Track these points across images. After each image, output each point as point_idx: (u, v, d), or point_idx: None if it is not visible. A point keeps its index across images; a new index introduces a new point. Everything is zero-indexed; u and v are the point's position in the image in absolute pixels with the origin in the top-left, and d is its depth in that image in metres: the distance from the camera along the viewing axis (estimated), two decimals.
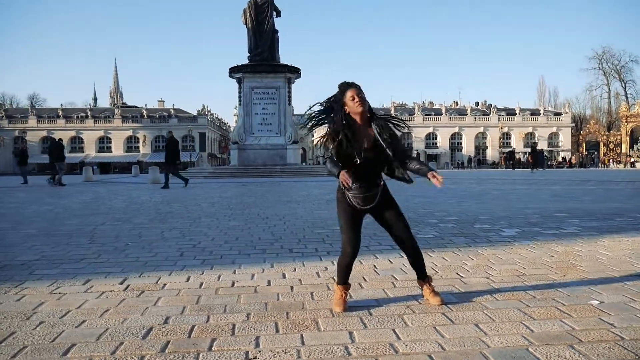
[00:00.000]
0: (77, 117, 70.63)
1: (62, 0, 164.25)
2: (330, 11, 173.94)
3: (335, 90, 3.16)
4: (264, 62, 28.82)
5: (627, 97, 72.50)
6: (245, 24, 29.14)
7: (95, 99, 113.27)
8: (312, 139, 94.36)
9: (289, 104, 29.32)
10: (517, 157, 53.67)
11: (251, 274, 4.11)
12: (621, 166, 56.35)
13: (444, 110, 70.00)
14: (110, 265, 4.53)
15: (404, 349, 2.53)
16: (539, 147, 50.05)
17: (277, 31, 29.64)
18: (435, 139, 68.75)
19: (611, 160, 60.68)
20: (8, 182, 22.61)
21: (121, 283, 3.86)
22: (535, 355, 2.41)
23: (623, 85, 74.71)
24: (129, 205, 10.58)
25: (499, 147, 66.15)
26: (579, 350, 2.47)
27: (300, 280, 3.92)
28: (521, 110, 71.33)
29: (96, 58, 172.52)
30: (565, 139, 68.87)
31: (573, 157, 62.44)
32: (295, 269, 4.30)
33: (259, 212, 8.65)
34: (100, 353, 2.50)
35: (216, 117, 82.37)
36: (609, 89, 75.84)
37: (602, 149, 64.21)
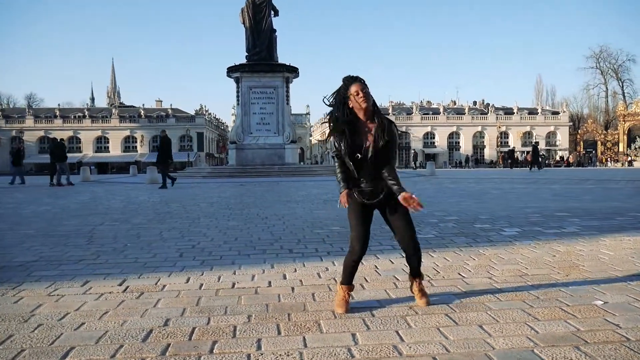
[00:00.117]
0: (75, 117, 70.39)
1: (60, 0, 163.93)
2: (328, 11, 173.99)
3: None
4: (262, 62, 28.75)
5: (624, 96, 72.64)
6: (243, 23, 29.06)
7: (92, 99, 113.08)
8: (310, 138, 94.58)
9: (287, 104, 29.26)
10: (516, 156, 53.69)
11: (251, 275, 4.07)
12: (619, 165, 56.43)
13: (441, 110, 69.96)
14: (109, 266, 4.49)
15: (408, 351, 2.49)
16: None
17: (275, 30, 29.57)
18: (433, 138, 68.73)
19: (609, 159, 60.77)
20: (6, 182, 22.45)
21: (120, 284, 3.82)
22: (541, 357, 2.39)
23: (620, 84, 74.87)
24: (127, 206, 10.53)
25: (497, 146, 66.16)
26: (585, 352, 2.44)
27: (301, 281, 3.88)
28: (519, 109, 71.34)
29: (94, 58, 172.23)
30: (562, 138, 68.92)
31: (570, 156, 62.51)
32: (295, 269, 4.27)
33: (258, 212, 8.61)
34: (100, 356, 2.46)
35: (214, 117, 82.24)
36: (607, 87, 76.01)
37: (600, 147, 64.31)
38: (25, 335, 2.75)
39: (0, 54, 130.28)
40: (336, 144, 3.07)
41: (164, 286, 3.76)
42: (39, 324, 2.93)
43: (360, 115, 3.05)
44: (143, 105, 75.11)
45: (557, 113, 71.90)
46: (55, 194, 15.30)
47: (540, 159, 35.70)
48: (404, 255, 3.29)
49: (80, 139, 66.83)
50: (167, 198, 12.35)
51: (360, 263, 4.16)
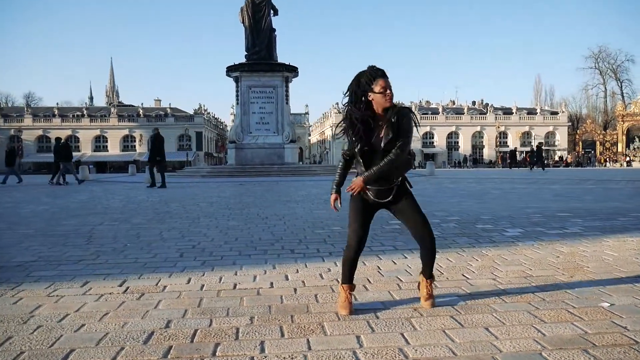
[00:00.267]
0: (73, 116, 70.30)
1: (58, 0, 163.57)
2: (327, 10, 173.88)
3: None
4: (261, 61, 28.71)
5: (623, 96, 72.69)
6: (243, 22, 29.01)
7: (91, 98, 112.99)
8: (309, 138, 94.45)
9: (287, 103, 29.22)
10: (518, 156, 53.78)
11: (253, 276, 4.03)
12: (617, 165, 56.46)
13: (440, 110, 69.97)
14: (109, 266, 4.44)
15: (414, 354, 2.45)
16: (531, 147, 50.19)
17: (274, 30, 29.54)
18: (432, 138, 68.72)
19: (608, 159, 60.80)
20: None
21: (120, 285, 3.77)
22: None
23: (619, 84, 74.96)
24: (127, 205, 10.48)
25: (496, 146, 66.19)
26: (593, 355, 2.40)
27: (303, 282, 3.84)
28: (518, 109, 71.38)
29: (92, 57, 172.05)
30: (561, 138, 68.96)
31: (569, 156, 62.56)
32: (297, 270, 4.23)
33: (258, 212, 8.56)
34: (101, 359, 2.42)
35: (213, 116, 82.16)
36: (605, 88, 76.09)
37: (599, 148, 64.34)
38: (24, 337, 2.70)
39: None
40: (351, 139, 2.98)
41: (165, 287, 3.72)
42: (39, 325, 2.89)
43: (378, 110, 2.95)
44: (142, 104, 75.07)
45: (556, 113, 71.94)
46: (54, 193, 15.24)
47: (538, 159, 35.77)
48: (420, 250, 3.21)
49: (78, 138, 66.71)
50: (166, 198, 12.30)
51: (363, 263, 4.16)
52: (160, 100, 77.50)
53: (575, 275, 3.96)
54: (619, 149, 61.29)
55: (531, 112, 72.38)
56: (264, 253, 4.98)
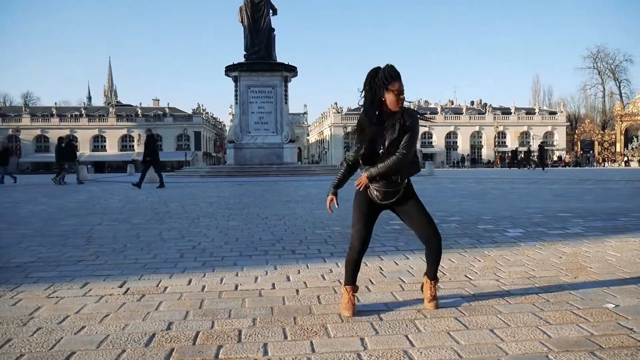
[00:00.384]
0: (71, 115, 70.24)
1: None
2: (326, 10, 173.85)
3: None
4: (260, 61, 28.67)
5: (621, 96, 72.81)
6: (242, 22, 28.97)
7: (89, 98, 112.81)
8: (308, 138, 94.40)
9: (286, 103, 29.19)
10: (519, 156, 53.94)
11: (254, 277, 4.00)
12: (616, 165, 56.53)
13: (439, 109, 69.96)
14: (109, 267, 4.40)
15: (419, 356, 2.42)
16: (528, 147, 50.38)
17: (273, 29, 29.50)
18: (431, 137, 68.74)
19: (606, 159, 60.87)
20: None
21: (121, 286, 3.74)
22: None
23: (617, 84, 75.07)
24: (126, 205, 10.44)
25: (495, 146, 66.24)
26: (600, 357, 2.38)
27: (305, 283, 3.81)
28: (516, 109, 71.46)
29: (91, 57, 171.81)
30: (560, 138, 69.02)
31: (567, 156, 62.61)
32: (299, 271, 4.20)
33: (258, 212, 8.53)
34: None
35: (211, 116, 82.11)
36: (604, 88, 76.21)
37: (597, 147, 64.41)
38: (24, 339, 2.67)
39: None
40: (358, 145, 2.97)
41: (166, 288, 3.68)
42: (38, 327, 2.85)
43: (388, 110, 2.92)
44: (140, 104, 75.04)
45: (554, 113, 72.00)
46: (52, 193, 15.19)
47: (529, 159, 35.94)
48: (426, 251, 3.19)
49: (77, 137, 66.47)
50: (165, 198, 12.26)
51: (364, 264, 4.12)
52: (158, 100, 77.47)
53: (578, 276, 3.94)
54: (617, 149, 61.38)
55: (530, 112, 72.43)
56: (264, 254, 4.95)
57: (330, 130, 70.72)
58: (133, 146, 66.93)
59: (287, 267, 4.32)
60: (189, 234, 6.25)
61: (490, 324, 2.84)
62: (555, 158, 63.76)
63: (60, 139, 21.51)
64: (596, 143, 64.74)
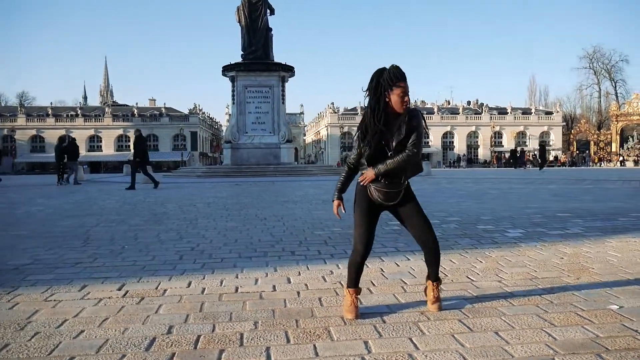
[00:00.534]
0: (67, 115, 69.97)
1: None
2: (322, 10, 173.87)
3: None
4: (257, 61, 28.60)
5: (617, 96, 72.99)
6: (239, 22, 28.89)
7: (85, 98, 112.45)
8: (304, 138, 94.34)
9: (283, 103, 29.13)
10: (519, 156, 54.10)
11: (254, 279, 3.96)
12: (611, 165, 56.71)
13: (435, 109, 70.04)
14: (107, 269, 4.36)
15: (424, 359, 2.39)
16: (521, 147, 50.48)
17: (271, 29, 29.42)
18: (428, 137, 68.69)
19: (602, 159, 61.04)
20: None
21: (119, 289, 3.69)
22: None
23: (613, 84, 75.27)
24: (122, 206, 10.37)
25: (491, 146, 66.35)
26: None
27: (306, 285, 3.77)
28: (513, 109, 71.57)
29: (86, 56, 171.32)
30: (556, 138, 69.17)
31: (563, 156, 62.77)
32: (299, 272, 4.16)
33: (256, 213, 8.49)
34: None
35: (208, 116, 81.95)
36: (600, 88, 76.39)
37: (593, 147, 64.59)
38: (21, 344, 2.62)
39: None
40: (363, 143, 2.92)
41: (165, 291, 3.64)
42: (36, 331, 2.80)
43: (393, 111, 2.90)
44: (136, 104, 74.91)
45: (550, 113, 72.17)
46: (48, 194, 15.11)
47: (523, 159, 36.11)
48: (424, 255, 3.18)
49: (70, 137, 66.34)
50: (162, 199, 12.20)
51: (365, 266, 4.07)
52: (155, 100, 77.31)
53: (581, 277, 3.91)
54: (613, 149, 61.56)
55: (526, 112, 72.59)
56: (264, 255, 4.91)
57: (327, 130, 70.69)
58: (129, 146, 66.58)
59: (287, 269, 4.28)
60: (187, 235, 6.20)
61: (495, 326, 2.82)
62: (551, 158, 63.91)
63: (61, 138, 21.48)
64: (592, 143, 64.91)
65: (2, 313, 3.16)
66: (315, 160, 78.66)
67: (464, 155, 66.47)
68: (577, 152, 65.47)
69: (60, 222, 7.65)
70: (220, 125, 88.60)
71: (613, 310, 3.08)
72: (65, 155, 20.50)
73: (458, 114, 70.41)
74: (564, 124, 71.15)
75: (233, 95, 28.70)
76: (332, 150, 67.91)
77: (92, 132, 67.48)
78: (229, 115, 42.03)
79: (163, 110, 72.18)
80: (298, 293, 3.55)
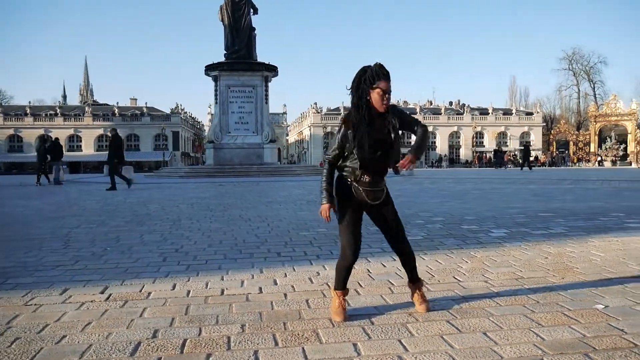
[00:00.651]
0: (46, 115, 68.85)
1: None
2: (305, 10, 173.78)
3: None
4: (241, 60, 28.45)
5: (595, 98, 74.25)
6: (222, 21, 28.71)
7: (64, 97, 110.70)
8: (287, 138, 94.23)
9: (266, 103, 29.02)
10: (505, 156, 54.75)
11: (240, 281, 3.91)
12: (590, 164, 57.67)
13: (418, 110, 70.42)
14: (89, 272, 4.27)
15: None
16: (500, 147, 51.05)
17: (254, 29, 29.28)
18: (410, 137, 69.01)
19: (581, 159, 62.02)
20: None
21: (102, 292, 3.61)
22: None
23: (592, 85, 76.55)
24: (103, 207, 10.22)
25: (472, 146, 66.98)
26: (594, 359, 2.36)
27: (293, 286, 3.74)
28: (494, 109, 72.37)
29: (66, 55, 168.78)
30: (536, 138, 70.08)
31: (543, 156, 63.61)
32: (286, 274, 4.12)
33: (240, 214, 8.42)
34: None
35: (190, 116, 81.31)
36: (579, 89, 77.63)
37: (572, 147, 65.57)
38: (1, 350, 2.54)
39: None
40: (348, 136, 2.88)
41: (149, 293, 3.57)
42: (16, 337, 2.72)
43: (376, 109, 2.90)
44: (117, 103, 73.97)
45: (530, 114, 73.12)
46: (27, 194, 14.83)
47: (502, 159, 36.58)
48: (400, 257, 3.19)
49: (51, 137, 65.24)
50: (144, 199, 12.05)
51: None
52: (136, 99, 76.50)
53: (565, 276, 3.95)
54: (592, 149, 62.57)
55: (507, 112, 73.44)
56: (250, 256, 4.86)
57: (310, 130, 70.65)
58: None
59: (273, 270, 4.24)
60: (170, 236, 6.12)
61: (483, 327, 2.82)
62: (531, 158, 64.69)
63: (41, 138, 21.18)
64: (571, 143, 65.86)
65: None
66: (297, 160, 78.58)
67: (445, 155, 66.98)
68: (557, 152, 66.41)
69: (40, 224, 7.50)
70: (203, 125, 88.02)
71: (599, 309, 3.10)
72: (49, 156, 20.19)
73: (440, 114, 70.95)
74: (544, 124, 72.17)
75: (216, 95, 28.50)
76: (315, 150, 67.87)
77: (71, 131, 66.47)
78: (212, 115, 41.78)
79: (144, 109, 71.43)
80: (285, 295, 3.51)
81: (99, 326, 2.89)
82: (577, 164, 59.26)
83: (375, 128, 2.90)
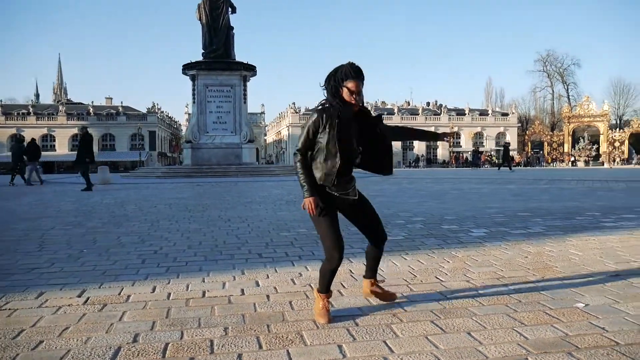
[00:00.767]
0: (18, 113, 67.25)
1: None
2: (283, 10, 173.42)
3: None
4: (219, 60, 28.22)
5: (569, 99, 75.73)
6: (200, 20, 28.45)
7: (37, 96, 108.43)
8: (265, 137, 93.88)
9: (245, 102, 28.85)
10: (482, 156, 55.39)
11: (222, 282, 3.86)
12: (564, 164, 58.80)
13: (396, 110, 70.93)
14: (65, 275, 4.16)
15: None
16: (476, 148, 51.69)
17: (232, 28, 29.09)
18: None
19: (555, 159, 63.19)
20: None
21: (79, 296, 3.52)
22: None
23: (565, 87, 78.05)
24: (79, 208, 10.01)
25: (449, 146, 67.66)
26: (578, 358, 2.39)
27: (275, 288, 3.70)
28: (470, 110, 73.25)
29: (38, 53, 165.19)
30: (512, 139, 71.03)
31: (518, 156, 64.62)
32: (268, 275, 4.08)
33: (219, 214, 8.33)
34: None
35: (167, 115, 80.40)
36: (553, 90, 79.06)
37: (546, 148, 66.77)
38: None
39: None
40: (319, 131, 2.88)
41: (129, 296, 3.50)
42: None
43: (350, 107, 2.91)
44: (92, 102, 72.63)
45: (506, 114, 74.20)
46: (0, 195, 14.44)
47: (479, 160, 37.04)
48: (372, 254, 3.23)
49: (24, 137, 63.79)
50: (121, 200, 11.85)
51: None
52: (111, 99, 75.33)
53: (546, 275, 3.99)
54: (565, 149, 63.80)
55: (483, 113, 74.40)
56: (230, 258, 4.80)
57: (288, 130, 70.50)
58: None
59: (255, 272, 4.19)
60: (149, 237, 6.01)
61: (467, 327, 2.82)
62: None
63: (17, 139, 20.65)
64: (545, 144, 67.04)
65: None
66: (275, 160, 78.33)
67: (423, 155, 67.55)
68: (532, 152, 67.53)
69: (14, 225, 7.30)
70: (180, 124, 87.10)
71: (579, 308, 3.14)
72: (25, 157, 19.70)
73: (418, 114, 71.51)
74: (519, 125, 73.29)
75: (194, 95, 28.23)
76: (293, 151, 67.72)
77: (45, 131, 65.08)
78: (189, 114, 41.33)
79: (120, 109, 70.38)
80: (267, 297, 3.47)
81: (77, 331, 2.81)
82: (552, 164, 60.35)
83: (352, 126, 2.91)
